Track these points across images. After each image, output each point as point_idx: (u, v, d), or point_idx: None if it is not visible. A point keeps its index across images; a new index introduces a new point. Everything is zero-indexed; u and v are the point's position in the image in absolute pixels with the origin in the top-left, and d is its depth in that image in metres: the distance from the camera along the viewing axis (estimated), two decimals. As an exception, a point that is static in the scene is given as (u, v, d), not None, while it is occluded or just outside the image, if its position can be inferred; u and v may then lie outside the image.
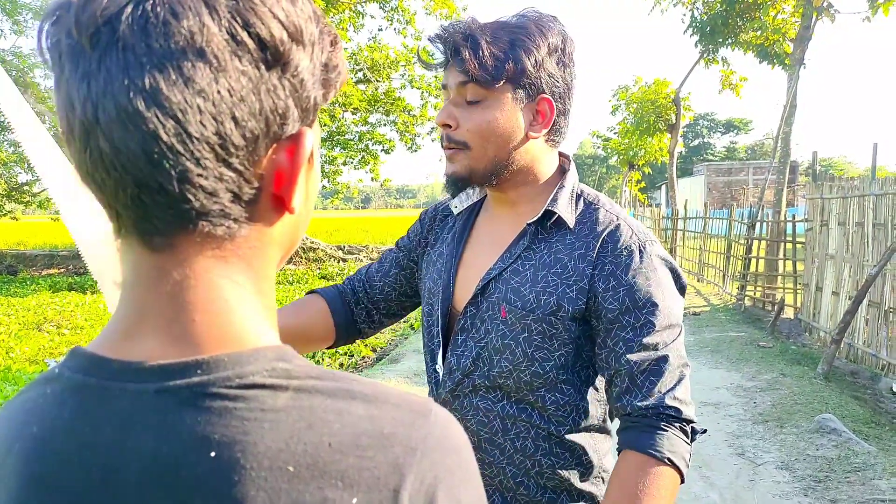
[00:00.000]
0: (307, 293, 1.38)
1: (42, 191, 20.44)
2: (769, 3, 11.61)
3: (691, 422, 1.07)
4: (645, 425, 1.05)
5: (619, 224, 1.13)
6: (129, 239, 0.46)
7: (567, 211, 1.14)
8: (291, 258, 17.79)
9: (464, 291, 1.20)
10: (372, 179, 18.90)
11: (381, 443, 0.43)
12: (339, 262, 17.72)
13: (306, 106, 0.48)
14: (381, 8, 16.21)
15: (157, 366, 0.43)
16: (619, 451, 1.09)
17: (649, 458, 1.02)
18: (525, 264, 1.14)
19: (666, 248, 1.18)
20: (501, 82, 1.07)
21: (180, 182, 0.42)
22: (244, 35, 0.43)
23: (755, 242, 10.50)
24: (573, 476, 1.14)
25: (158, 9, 0.41)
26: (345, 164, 18.68)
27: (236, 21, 0.43)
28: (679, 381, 1.07)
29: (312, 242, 18.88)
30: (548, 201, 1.14)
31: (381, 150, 18.69)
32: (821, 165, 9.00)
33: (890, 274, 5.91)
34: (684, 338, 1.14)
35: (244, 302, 0.47)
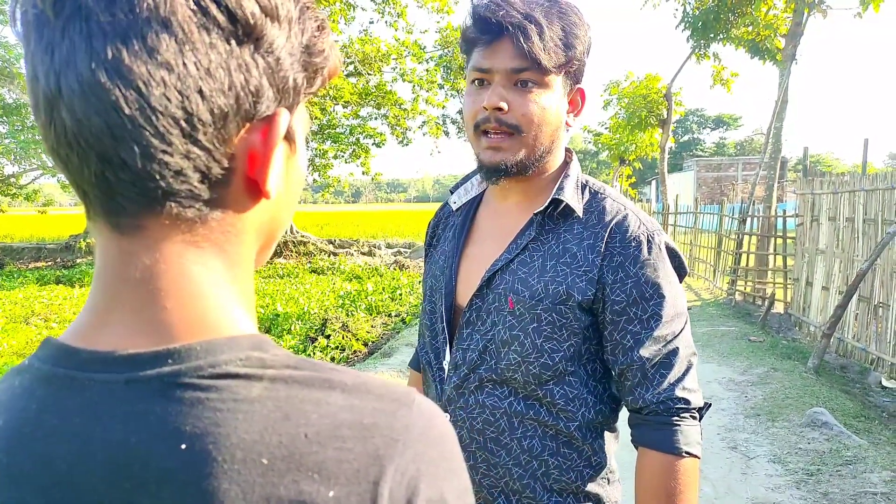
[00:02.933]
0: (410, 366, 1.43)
1: (29, 183, 20.26)
2: (761, -2, 11.61)
3: (700, 408, 1.09)
4: (658, 423, 1.06)
5: (626, 214, 1.11)
6: (97, 221, 0.45)
7: (574, 199, 1.12)
8: (282, 252, 17.84)
9: (467, 285, 1.17)
10: (363, 173, 18.86)
11: (360, 433, 0.42)
12: (329, 255, 17.67)
13: (283, 86, 0.46)
14: (371, 0, 16.13)
15: (128, 355, 0.42)
16: (635, 445, 1.10)
17: (670, 456, 1.04)
18: (533, 255, 1.11)
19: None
20: (563, 71, 1.06)
21: (144, 158, 0.41)
22: (213, 8, 0.41)
23: (745, 237, 10.54)
24: (580, 477, 1.12)
25: None
26: (335, 157, 18.63)
27: None
28: (687, 371, 1.09)
29: (303, 236, 18.83)
30: (554, 190, 1.13)
31: (372, 144, 18.65)
32: (809, 161, 9.04)
33: (879, 269, 5.94)
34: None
35: (218, 289, 0.46)
